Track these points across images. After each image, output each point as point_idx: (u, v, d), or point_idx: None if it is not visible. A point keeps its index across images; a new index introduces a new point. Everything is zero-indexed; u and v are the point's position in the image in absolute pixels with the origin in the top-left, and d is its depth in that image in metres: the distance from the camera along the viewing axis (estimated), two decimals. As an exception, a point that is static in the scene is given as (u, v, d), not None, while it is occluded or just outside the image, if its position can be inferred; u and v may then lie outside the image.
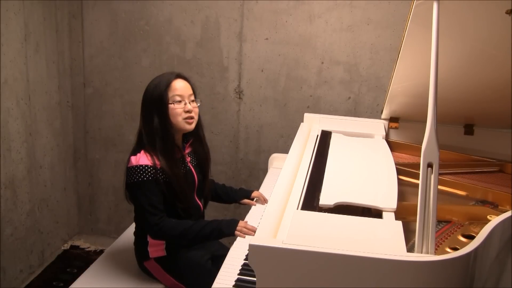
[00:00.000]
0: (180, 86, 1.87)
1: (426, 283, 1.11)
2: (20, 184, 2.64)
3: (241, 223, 1.79)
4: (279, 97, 2.84)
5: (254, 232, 1.75)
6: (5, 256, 2.57)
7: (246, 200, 2.15)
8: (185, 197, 1.89)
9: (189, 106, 1.87)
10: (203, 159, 2.04)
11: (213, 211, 2.94)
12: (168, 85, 1.85)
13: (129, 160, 1.85)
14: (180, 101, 1.86)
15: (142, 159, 1.82)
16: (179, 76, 1.90)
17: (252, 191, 2.17)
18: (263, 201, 2.10)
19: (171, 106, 1.85)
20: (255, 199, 2.14)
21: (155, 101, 1.85)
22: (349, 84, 2.75)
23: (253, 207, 2.09)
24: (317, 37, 2.71)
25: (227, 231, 1.79)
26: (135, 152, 1.86)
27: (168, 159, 1.85)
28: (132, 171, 1.81)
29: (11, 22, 2.45)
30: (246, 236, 1.75)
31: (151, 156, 1.83)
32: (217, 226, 1.80)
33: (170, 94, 1.85)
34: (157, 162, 1.83)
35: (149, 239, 1.94)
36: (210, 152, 2.07)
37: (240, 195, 2.17)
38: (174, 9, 2.82)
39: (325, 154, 1.87)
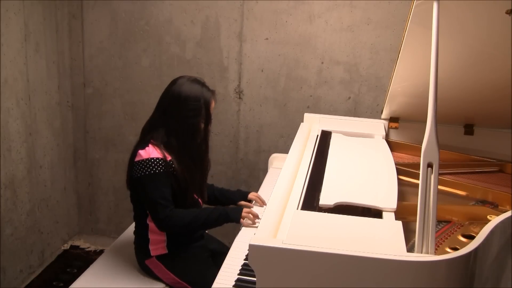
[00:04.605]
0: (213, 107, 1.97)
1: (426, 283, 1.11)
2: (20, 184, 2.64)
3: (245, 210, 1.88)
4: (279, 97, 2.84)
5: (258, 218, 1.86)
6: (5, 256, 2.57)
7: (243, 202, 2.15)
8: (189, 193, 1.94)
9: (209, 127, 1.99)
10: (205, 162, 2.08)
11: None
12: (209, 102, 1.94)
13: (137, 154, 1.86)
14: None
15: (153, 152, 1.85)
16: (214, 95, 1.98)
17: (248, 193, 2.17)
18: (261, 202, 2.09)
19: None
20: (252, 202, 2.13)
21: (196, 110, 1.91)
22: (349, 84, 2.75)
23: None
24: (317, 37, 2.71)
25: (232, 216, 1.87)
26: (142, 146, 1.88)
27: (182, 159, 1.91)
28: (143, 164, 1.83)
29: (11, 22, 2.45)
30: (250, 228, 1.83)
31: (160, 149, 1.87)
32: (224, 211, 1.89)
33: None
34: (167, 155, 1.87)
35: (150, 237, 1.96)
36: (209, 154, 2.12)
37: (237, 197, 2.17)
38: (174, 9, 2.82)
39: (325, 154, 1.87)
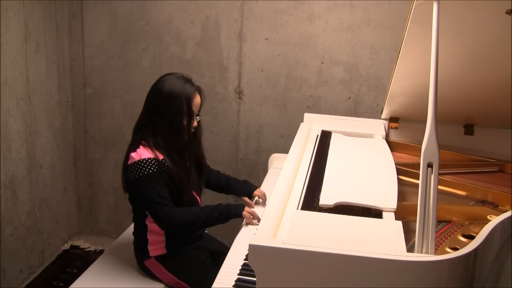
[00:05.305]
0: (197, 103, 1.92)
1: (426, 283, 1.11)
2: (20, 184, 2.64)
3: (247, 209, 1.88)
4: (279, 97, 2.84)
5: (258, 220, 1.86)
6: (5, 256, 2.57)
7: (246, 199, 2.15)
8: (185, 190, 1.93)
9: (195, 123, 1.94)
10: (199, 158, 2.08)
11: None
12: (191, 98, 1.89)
13: (129, 157, 1.86)
14: None
15: (144, 153, 1.85)
16: (199, 91, 1.93)
17: (255, 189, 2.15)
18: (264, 202, 2.09)
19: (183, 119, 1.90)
20: (255, 199, 2.13)
21: (178, 107, 1.87)
22: (349, 84, 2.75)
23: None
24: (317, 37, 2.71)
25: (234, 212, 1.87)
26: (133, 148, 1.87)
27: (172, 156, 1.90)
28: (136, 166, 1.83)
29: (11, 22, 2.45)
30: (250, 228, 1.84)
31: (151, 149, 1.86)
32: (226, 207, 1.88)
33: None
34: (158, 155, 1.86)
35: (149, 237, 1.95)
36: (205, 151, 2.13)
37: (242, 191, 2.16)
38: (174, 9, 2.82)
39: (325, 154, 1.87)
